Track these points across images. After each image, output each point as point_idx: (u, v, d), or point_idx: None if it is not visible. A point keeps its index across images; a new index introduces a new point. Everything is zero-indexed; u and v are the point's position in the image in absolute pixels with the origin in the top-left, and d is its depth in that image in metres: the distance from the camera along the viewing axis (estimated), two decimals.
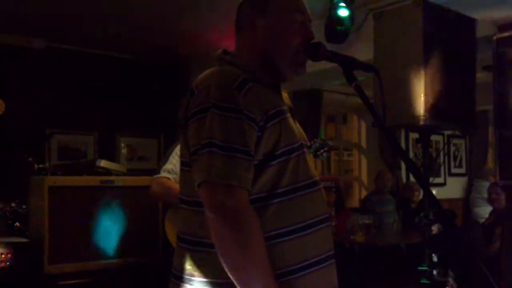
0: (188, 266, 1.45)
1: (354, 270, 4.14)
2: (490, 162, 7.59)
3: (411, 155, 6.69)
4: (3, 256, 2.58)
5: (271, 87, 1.52)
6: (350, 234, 4.46)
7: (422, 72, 2.71)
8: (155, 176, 2.82)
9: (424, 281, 2.85)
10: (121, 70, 5.60)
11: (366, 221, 4.48)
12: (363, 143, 6.85)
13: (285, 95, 1.64)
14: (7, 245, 2.65)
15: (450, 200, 7.04)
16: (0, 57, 4.89)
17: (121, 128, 5.66)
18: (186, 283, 1.44)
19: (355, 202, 6.71)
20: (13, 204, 3.49)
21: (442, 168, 7.13)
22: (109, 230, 2.92)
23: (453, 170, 7.45)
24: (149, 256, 2.99)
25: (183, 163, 1.51)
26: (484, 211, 6.66)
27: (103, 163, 3.68)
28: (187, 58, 5.65)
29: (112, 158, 5.56)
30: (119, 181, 2.99)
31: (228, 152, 1.32)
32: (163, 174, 2.79)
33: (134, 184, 3.05)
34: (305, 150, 1.54)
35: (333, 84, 5.66)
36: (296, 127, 1.57)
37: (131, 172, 5.50)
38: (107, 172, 3.64)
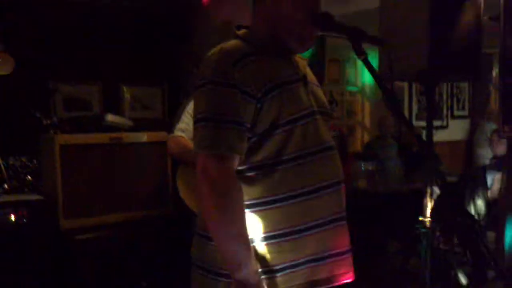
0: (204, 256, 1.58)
1: (357, 216, 4.27)
2: (493, 104, 7.63)
3: (415, 103, 6.71)
4: (19, 213, 2.67)
5: (279, 58, 1.58)
6: (353, 180, 4.57)
7: (427, 24, 2.70)
8: (170, 135, 2.90)
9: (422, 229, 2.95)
10: (123, 18, 5.52)
11: (369, 168, 4.58)
12: (366, 87, 6.86)
13: (302, 62, 1.69)
14: (22, 203, 2.73)
15: (451, 142, 7.13)
16: (4, 8, 4.82)
17: (125, 77, 5.63)
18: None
19: (357, 146, 6.80)
20: (23, 159, 3.57)
21: (444, 111, 7.18)
22: (120, 185, 3.01)
23: (456, 113, 7.48)
24: (160, 208, 3.09)
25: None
26: (487, 152, 6.76)
27: (110, 117, 3.74)
28: (189, 5, 5.58)
29: (116, 107, 5.60)
30: (127, 137, 3.04)
31: (219, 124, 1.45)
32: (177, 133, 2.87)
33: (141, 140, 3.11)
34: (318, 117, 1.60)
35: None
36: (314, 93, 1.64)
37: (135, 120, 5.56)
38: (114, 125, 3.70)
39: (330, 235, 1.58)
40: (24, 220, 2.69)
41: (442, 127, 7.02)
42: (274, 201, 1.50)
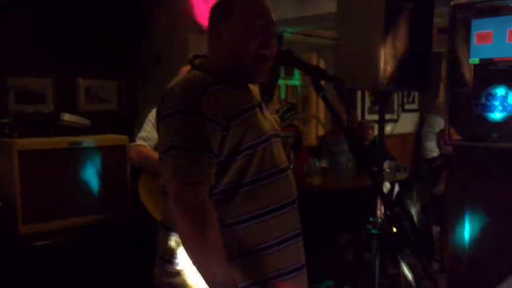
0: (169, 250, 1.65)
1: (311, 213, 4.41)
2: (442, 97, 7.92)
3: (368, 96, 6.89)
4: None
5: (238, 86, 1.67)
6: (307, 177, 4.70)
7: (382, 41, 2.82)
8: (132, 144, 2.93)
9: (373, 231, 3.11)
10: (78, 10, 5.43)
11: (323, 165, 4.72)
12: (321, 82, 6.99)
13: (255, 89, 1.78)
14: None
15: (402, 135, 7.38)
16: None
17: (80, 69, 5.56)
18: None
19: (312, 140, 6.97)
20: None
21: (395, 105, 7.42)
22: (79, 189, 3.02)
23: (406, 106, 7.75)
24: (119, 212, 3.13)
25: (160, 158, 1.65)
26: (434, 145, 7.04)
27: (66, 116, 3.72)
28: None
29: (71, 100, 5.53)
30: (87, 142, 3.06)
31: (190, 152, 1.51)
32: (139, 142, 2.90)
33: (100, 144, 3.13)
34: (273, 140, 1.71)
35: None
36: (266, 118, 1.74)
37: (91, 114, 5.51)
38: (70, 125, 3.69)
39: (290, 251, 1.69)
40: None
41: (393, 120, 7.26)
42: (237, 223, 1.60)
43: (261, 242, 1.62)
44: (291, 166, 4.74)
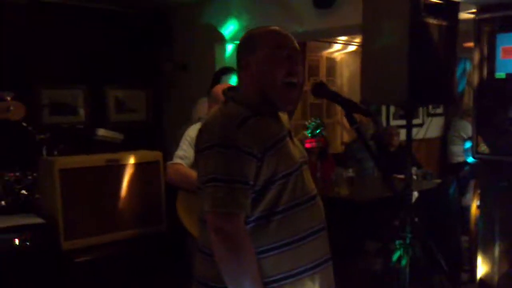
0: (207, 274, 1.75)
1: (338, 221, 4.46)
2: (467, 100, 7.87)
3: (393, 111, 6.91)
4: (23, 237, 2.80)
5: (270, 117, 1.76)
6: (335, 186, 4.76)
7: (406, 58, 2.86)
8: (169, 163, 3.02)
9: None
10: (106, 22, 5.59)
11: (349, 174, 4.78)
12: (345, 88, 7.05)
13: (284, 117, 1.87)
14: (26, 227, 2.86)
15: (427, 140, 7.37)
16: None
17: (109, 80, 5.73)
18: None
19: (337, 145, 7.01)
20: (17, 173, 3.67)
21: (420, 109, 7.41)
22: (116, 205, 3.15)
23: (431, 111, 7.73)
24: (155, 226, 3.24)
25: (198, 187, 1.75)
26: (460, 149, 7.02)
27: (101, 132, 3.86)
28: (172, 9, 5.66)
29: (101, 111, 5.70)
30: (123, 159, 3.18)
31: (229, 184, 1.61)
32: (176, 160, 2.99)
33: (135, 160, 3.25)
34: (304, 168, 1.80)
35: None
36: (296, 145, 1.83)
37: (121, 124, 5.68)
38: (105, 140, 3.83)
39: (322, 276, 1.78)
40: (27, 243, 2.82)
41: (418, 125, 7.25)
42: (270, 249, 1.68)
43: (294, 268, 1.71)
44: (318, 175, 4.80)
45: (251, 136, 1.63)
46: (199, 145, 1.71)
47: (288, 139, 1.77)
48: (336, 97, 1.71)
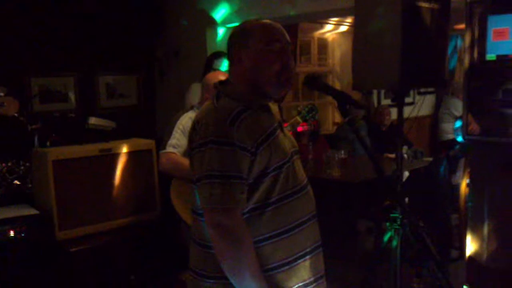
0: (203, 265, 1.79)
1: (330, 200, 4.50)
2: (457, 76, 7.88)
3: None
4: (17, 229, 2.81)
5: (261, 109, 1.78)
6: (326, 168, 4.78)
7: (399, 41, 2.86)
8: (162, 151, 3.02)
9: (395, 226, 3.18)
10: (98, 6, 5.51)
11: (341, 156, 4.79)
12: (337, 68, 7.04)
13: (275, 108, 1.89)
14: (20, 218, 2.87)
15: (419, 118, 7.39)
16: None
17: (99, 67, 5.68)
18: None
19: (329, 125, 7.04)
20: (9, 163, 3.66)
21: None
22: (110, 194, 3.15)
23: (422, 89, 7.72)
24: (149, 213, 3.26)
25: (193, 182, 1.77)
26: (451, 127, 7.04)
27: (93, 120, 3.85)
28: None
29: (92, 97, 5.66)
30: (116, 148, 3.18)
31: (225, 180, 1.63)
32: (169, 149, 2.99)
33: (128, 149, 3.25)
34: (294, 158, 1.83)
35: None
36: (286, 136, 1.86)
37: (113, 109, 5.65)
38: (97, 128, 3.82)
39: (313, 262, 1.83)
40: (22, 234, 2.83)
41: (409, 104, 7.27)
42: (264, 239, 1.72)
43: (288, 256, 1.76)
44: (310, 157, 4.81)
45: (245, 131, 1.65)
46: (194, 141, 1.72)
47: (279, 131, 1.79)
48: (328, 90, 1.72)
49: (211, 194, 1.63)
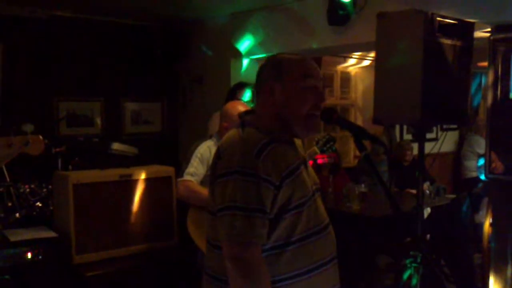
0: None
1: (349, 235, 4.44)
2: (481, 114, 7.80)
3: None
4: (35, 251, 2.84)
5: (286, 143, 1.74)
6: (346, 201, 4.74)
7: (420, 78, 2.87)
8: (179, 179, 3.05)
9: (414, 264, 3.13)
10: (123, 35, 5.66)
11: (362, 190, 4.75)
12: (359, 101, 7.04)
13: (298, 143, 1.86)
14: (38, 240, 2.90)
15: (441, 154, 7.31)
16: (5, 28, 4.94)
17: (125, 93, 5.79)
18: None
19: (350, 159, 7.00)
20: (32, 185, 3.72)
21: None
22: (128, 220, 3.17)
23: (445, 125, 7.65)
24: (166, 240, 3.27)
25: (210, 212, 1.75)
26: (474, 164, 6.95)
27: (116, 146, 3.91)
28: (187, 22, 5.71)
29: (117, 122, 5.76)
30: (136, 174, 3.21)
31: (247, 212, 1.59)
32: (186, 177, 3.01)
33: (148, 176, 3.28)
34: (316, 196, 1.79)
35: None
36: (309, 172, 1.81)
37: (137, 135, 5.73)
38: (119, 153, 3.87)
39: None
40: (40, 257, 2.85)
41: (432, 140, 7.20)
42: (284, 279, 1.67)
43: None
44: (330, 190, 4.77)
45: (270, 164, 1.61)
46: (217, 171, 1.69)
47: (302, 167, 1.75)
48: (344, 124, 1.72)
49: (232, 226, 1.59)
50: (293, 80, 1.71)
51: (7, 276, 2.78)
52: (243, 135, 1.71)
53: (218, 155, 1.72)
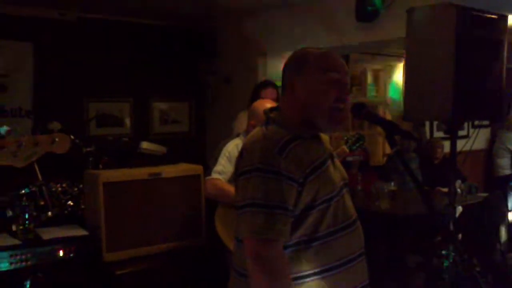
0: None
1: (379, 235, 4.39)
2: None
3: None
4: (67, 249, 2.88)
5: (312, 139, 1.73)
6: (375, 200, 4.68)
7: (452, 72, 2.80)
8: (207, 177, 3.07)
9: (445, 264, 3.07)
10: (151, 36, 5.71)
11: (391, 188, 4.69)
12: (389, 99, 6.95)
13: (325, 138, 1.84)
14: (70, 238, 2.94)
15: (473, 152, 7.16)
16: (36, 29, 5.04)
17: (154, 93, 5.84)
18: None
19: (379, 157, 6.91)
20: (64, 185, 3.77)
21: None
22: (157, 218, 3.19)
23: (476, 122, 7.50)
24: (194, 239, 3.27)
25: (236, 208, 1.73)
26: (507, 162, 6.81)
27: (145, 145, 3.93)
28: (217, 23, 5.73)
29: (146, 122, 5.82)
30: (165, 172, 3.23)
31: (268, 209, 1.58)
32: (214, 175, 3.03)
33: (177, 174, 3.29)
34: (344, 190, 1.76)
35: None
36: (337, 168, 1.79)
37: (165, 135, 5.78)
38: (148, 153, 3.90)
39: None
40: (71, 255, 2.89)
41: (463, 137, 7.07)
42: (308, 275, 1.65)
43: None
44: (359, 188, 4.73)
45: (293, 160, 1.60)
46: (240, 168, 1.69)
47: (329, 162, 1.73)
48: (375, 119, 1.68)
49: (253, 223, 1.59)
50: (313, 73, 1.69)
51: (39, 274, 2.82)
52: (266, 132, 1.70)
53: (241, 153, 1.72)
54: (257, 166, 1.61)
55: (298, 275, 1.65)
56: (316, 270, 1.65)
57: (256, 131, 1.76)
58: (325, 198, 1.65)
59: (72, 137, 3.65)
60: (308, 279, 1.65)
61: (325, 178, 1.67)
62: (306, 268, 1.65)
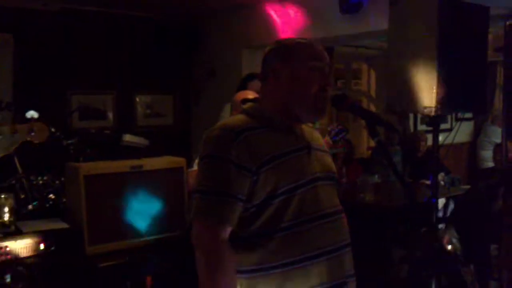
0: None
1: (363, 227, 4.41)
2: (497, 104, 7.69)
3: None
4: (48, 242, 2.84)
5: (281, 130, 1.70)
6: (360, 192, 4.70)
7: (435, 65, 2.81)
8: (189, 170, 3.04)
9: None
10: (135, 28, 5.65)
11: (375, 181, 4.71)
12: (372, 92, 6.97)
13: (309, 130, 1.81)
14: (51, 232, 2.90)
15: (456, 145, 7.22)
16: (16, 21, 4.96)
17: (137, 86, 5.79)
18: None
19: (363, 150, 6.94)
20: (45, 178, 3.72)
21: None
22: (140, 210, 3.16)
23: (460, 115, 7.55)
24: (178, 232, 3.24)
25: None
26: (490, 154, 6.88)
27: (127, 138, 3.88)
28: (200, 16, 5.69)
29: (129, 115, 5.76)
30: (147, 165, 3.19)
31: (213, 196, 1.58)
32: (195, 167, 3.00)
33: (159, 166, 3.25)
34: (320, 183, 1.70)
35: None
36: (316, 159, 1.74)
37: (149, 128, 5.73)
38: (130, 145, 3.86)
39: None
40: (52, 248, 2.85)
41: (446, 130, 7.11)
42: (272, 268, 1.61)
43: None
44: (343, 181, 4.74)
45: (247, 149, 1.60)
46: (199, 155, 1.70)
47: (303, 152, 1.70)
48: (356, 110, 1.67)
49: (198, 208, 1.60)
50: (301, 61, 1.69)
51: (20, 268, 2.78)
52: (228, 121, 1.72)
53: (203, 139, 1.71)
54: (209, 152, 1.63)
55: (262, 266, 1.62)
56: (282, 262, 1.61)
57: (219, 123, 1.74)
58: (286, 188, 1.62)
59: (53, 129, 3.62)
60: (272, 271, 1.61)
61: (288, 169, 1.64)
62: (271, 260, 1.61)
